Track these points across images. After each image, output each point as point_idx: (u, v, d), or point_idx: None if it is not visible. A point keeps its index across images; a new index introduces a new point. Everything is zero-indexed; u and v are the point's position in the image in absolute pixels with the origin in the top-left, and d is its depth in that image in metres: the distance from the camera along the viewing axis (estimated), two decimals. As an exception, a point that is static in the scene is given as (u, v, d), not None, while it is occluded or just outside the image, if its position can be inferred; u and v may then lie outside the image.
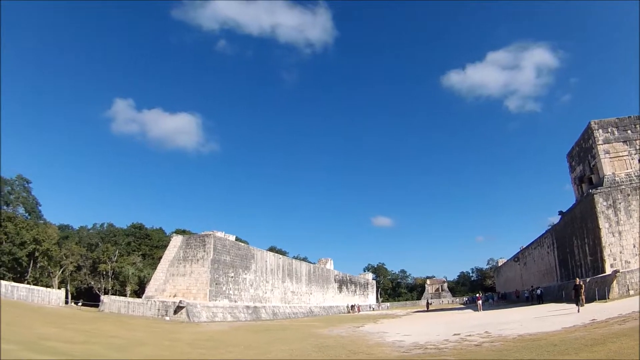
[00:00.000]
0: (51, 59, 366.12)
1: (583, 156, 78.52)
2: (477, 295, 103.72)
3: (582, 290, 45.57)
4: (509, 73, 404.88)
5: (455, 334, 36.78)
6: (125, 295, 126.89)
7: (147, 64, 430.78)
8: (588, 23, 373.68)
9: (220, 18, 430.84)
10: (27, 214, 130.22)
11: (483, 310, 79.88)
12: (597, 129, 71.78)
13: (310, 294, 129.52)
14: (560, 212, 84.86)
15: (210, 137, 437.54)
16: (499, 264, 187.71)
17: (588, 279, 60.92)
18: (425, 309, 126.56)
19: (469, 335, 34.73)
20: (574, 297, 47.08)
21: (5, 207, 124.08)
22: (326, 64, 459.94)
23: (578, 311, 42.35)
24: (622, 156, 70.19)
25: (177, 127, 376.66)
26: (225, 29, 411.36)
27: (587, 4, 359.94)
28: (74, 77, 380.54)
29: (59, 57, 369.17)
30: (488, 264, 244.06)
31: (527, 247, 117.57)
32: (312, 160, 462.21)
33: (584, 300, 45.93)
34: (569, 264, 78.58)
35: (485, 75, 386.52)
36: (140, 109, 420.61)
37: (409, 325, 59.55)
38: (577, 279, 52.53)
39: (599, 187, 67.30)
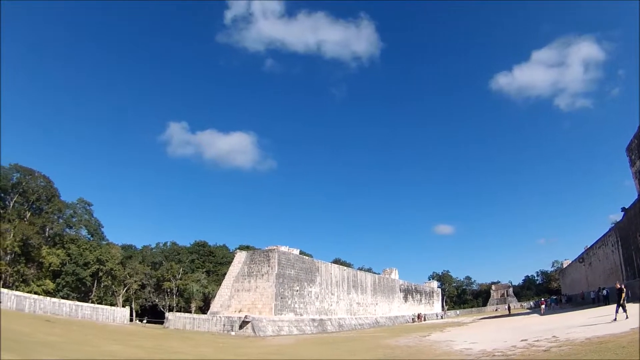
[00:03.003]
0: (105, 88, 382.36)
1: (642, 149, 75.67)
2: (542, 299, 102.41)
3: (624, 295, 42.60)
4: (556, 71, 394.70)
5: (522, 340, 35.87)
6: (190, 312, 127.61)
7: (197, 88, 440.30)
8: (629, 8, 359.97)
9: (265, 39, 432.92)
10: (89, 236, 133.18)
11: (549, 314, 78.36)
12: (655, 119, 69.00)
13: (376, 304, 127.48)
14: (623, 209, 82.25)
15: (267, 155, 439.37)
16: (564, 266, 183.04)
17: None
18: (507, 313, 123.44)
19: (537, 341, 33.85)
20: (616, 302, 43.48)
21: (67, 230, 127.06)
22: (374, 76, 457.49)
23: (615, 319, 38.38)
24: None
25: (233, 147, 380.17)
26: (270, 49, 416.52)
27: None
28: (128, 104, 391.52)
29: (112, 86, 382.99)
30: (553, 266, 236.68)
31: (592, 246, 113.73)
32: (369, 172, 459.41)
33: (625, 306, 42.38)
34: (634, 262, 75.66)
35: (532, 75, 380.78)
36: (194, 131, 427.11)
37: (475, 332, 58.44)
38: (617, 282, 49.84)
39: (661, 180, 64.96)
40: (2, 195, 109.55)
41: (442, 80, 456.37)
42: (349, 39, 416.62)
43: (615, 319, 38.64)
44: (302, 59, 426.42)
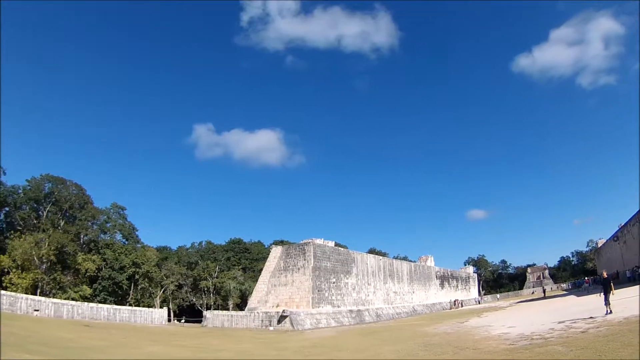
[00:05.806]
0: (127, 94, 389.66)
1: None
2: (586, 278, 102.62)
3: (611, 285, 39.72)
4: (576, 49, 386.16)
5: (559, 322, 36.39)
6: (227, 309, 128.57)
7: (219, 90, 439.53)
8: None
9: (285, 37, 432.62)
10: (124, 240, 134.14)
11: (584, 295, 78.13)
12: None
13: (413, 292, 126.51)
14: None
15: (294, 151, 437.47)
16: (599, 245, 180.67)
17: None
18: (543, 295, 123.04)
19: (574, 322, 34.48)
20: (603, 293, 37.89)
21: (102, 235, 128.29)
22: (395, 65, 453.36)
23: (606, 313, 35.84)
24: None
25: (260, 145, 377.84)
26: (290, 47, 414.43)
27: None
28: (150, 109, 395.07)
29: (134, 92, 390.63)
30: (588, 246, 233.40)
31: (626, 224, 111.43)
32: (397, 161, 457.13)
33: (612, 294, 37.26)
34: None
35: (552, 55, 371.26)
36: (220, 132, 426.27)
37: (513, 316, 58.92)
38: (604, 271, 48.27)
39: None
40: (36, 205, 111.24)
41: (464, 65, 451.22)
42: (367, 31, 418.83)
43: (607, 312, 36.27)
44: (324, 54, 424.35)
